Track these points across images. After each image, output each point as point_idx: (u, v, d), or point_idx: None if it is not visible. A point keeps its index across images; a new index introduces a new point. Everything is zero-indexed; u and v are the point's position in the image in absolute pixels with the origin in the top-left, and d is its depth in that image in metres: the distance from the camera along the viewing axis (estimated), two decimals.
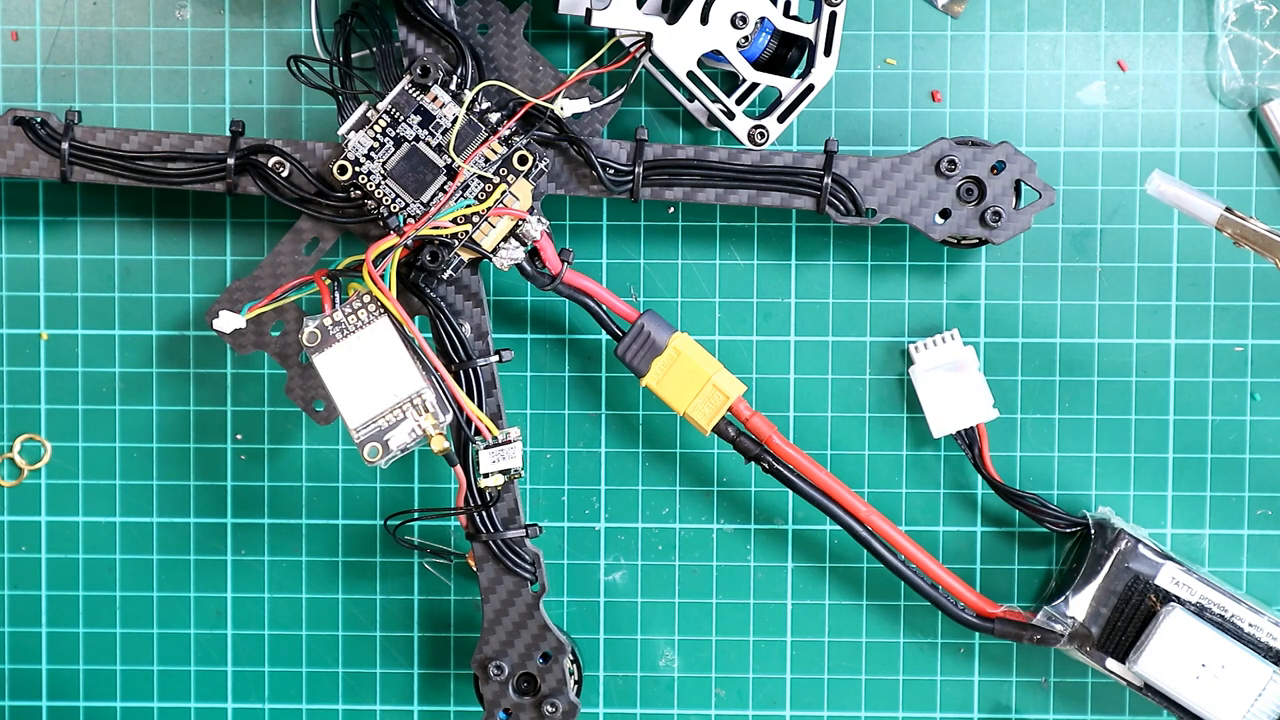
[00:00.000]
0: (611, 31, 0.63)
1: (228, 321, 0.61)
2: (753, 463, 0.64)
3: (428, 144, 0.61)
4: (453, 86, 0.61)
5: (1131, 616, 0.64)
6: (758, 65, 0.64)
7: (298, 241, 0.64)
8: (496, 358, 0.63)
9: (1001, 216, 0.63)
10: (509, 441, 0.61)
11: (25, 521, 0.69)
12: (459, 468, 0.61)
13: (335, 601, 0.69)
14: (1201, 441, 0.68)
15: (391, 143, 0.61)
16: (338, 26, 0.63)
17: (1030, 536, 0.69)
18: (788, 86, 0.64)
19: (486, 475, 0.61)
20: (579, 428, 0.69)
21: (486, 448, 0.61)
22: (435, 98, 0.61)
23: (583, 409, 0.69)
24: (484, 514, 0.63)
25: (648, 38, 0.62)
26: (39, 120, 0.64)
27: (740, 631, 0.69)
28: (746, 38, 0.63)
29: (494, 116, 0.62)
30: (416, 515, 0.68)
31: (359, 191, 0.62)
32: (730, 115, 0.63)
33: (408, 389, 0.60)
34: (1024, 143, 0.68)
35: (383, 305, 0.60)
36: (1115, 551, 0.64)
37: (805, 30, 0.63)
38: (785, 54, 0.64)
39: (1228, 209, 0.62)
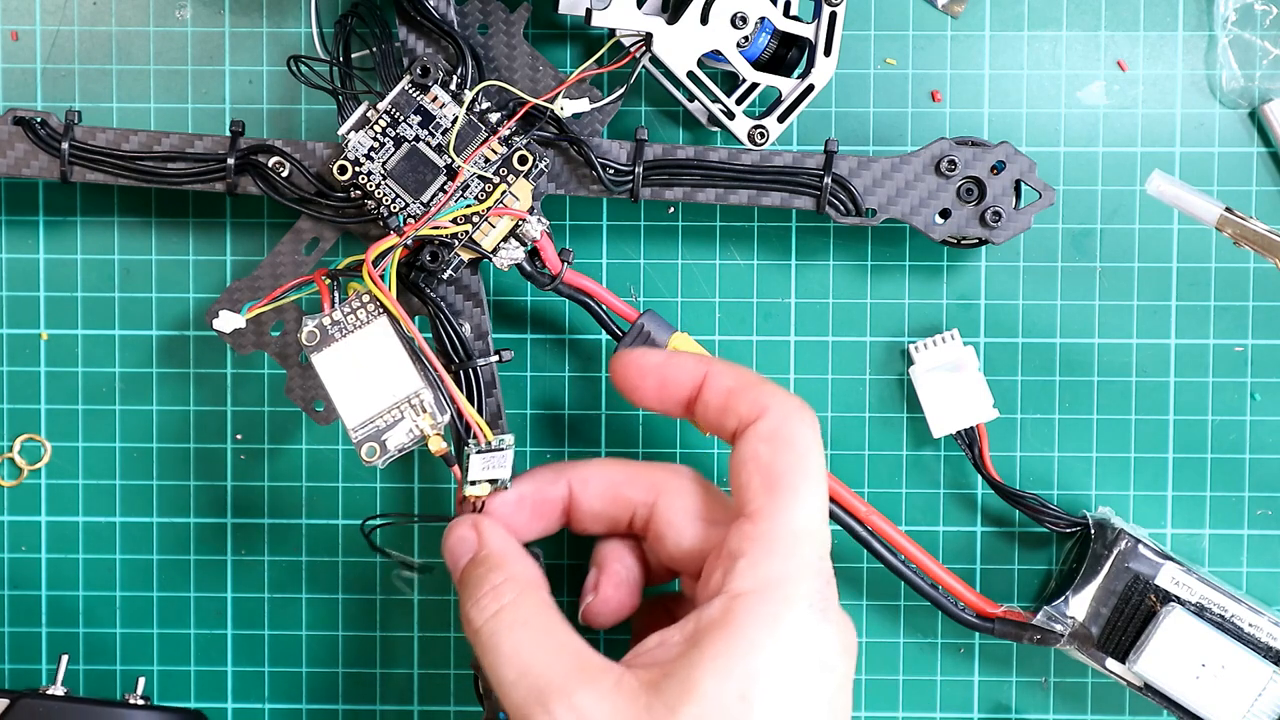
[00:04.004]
0: (611, 31, 0.63)
1: (228, 321, 0.61)
2: None
3: (428, 144, 0.61)
4: (453, 86, 0.61)
5: (1131, 616, 0.64)
6: (758, 65, 0.64)
7: (298, 241, 0.64)
8: (496, 358, 0.63)
9: (1001, 216, 0.63)
10: (502, 449, 0.59)
11: (25, 521, 0.69)
12: (457, 468, 0.61)
13: (335, 601, 0.69)
14: (1201, 441, 0.68)
15: (391, 143, 0.61)
16: (338, 26, 0.63)
17: (1030, 536, 0.69)
18: (788, 86, 0.64)
19: (474, 483, 0.59)
20: (579, 428, 0.69)
21: (479, 452, 0.59)
22: (435, 98, 0.61)
23: (583, 409, 0.69)
24: (482, 501, 0.62)
25: (648, 38, 0.62)
26: (39, 120, 0.64)
27: None
28: (746, 38, 0.63)
29: (494, 116, 0.62)
30: (407, 520, 0.68)
31: (359, 191, 0.62)
32: (730, 115, 0.64)
33: (406, 389, 0.60)
34: (1024, 143, 0.68)
35: (382, 305, 0.60)
36: (1115, 551, 0.64)
37: (805, 30, 0.63)
38: (785, 54, 0.64)
39: (1228, 209, 0.63)
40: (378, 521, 0.68)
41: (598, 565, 0.57)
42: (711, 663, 0.48)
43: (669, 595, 0.59)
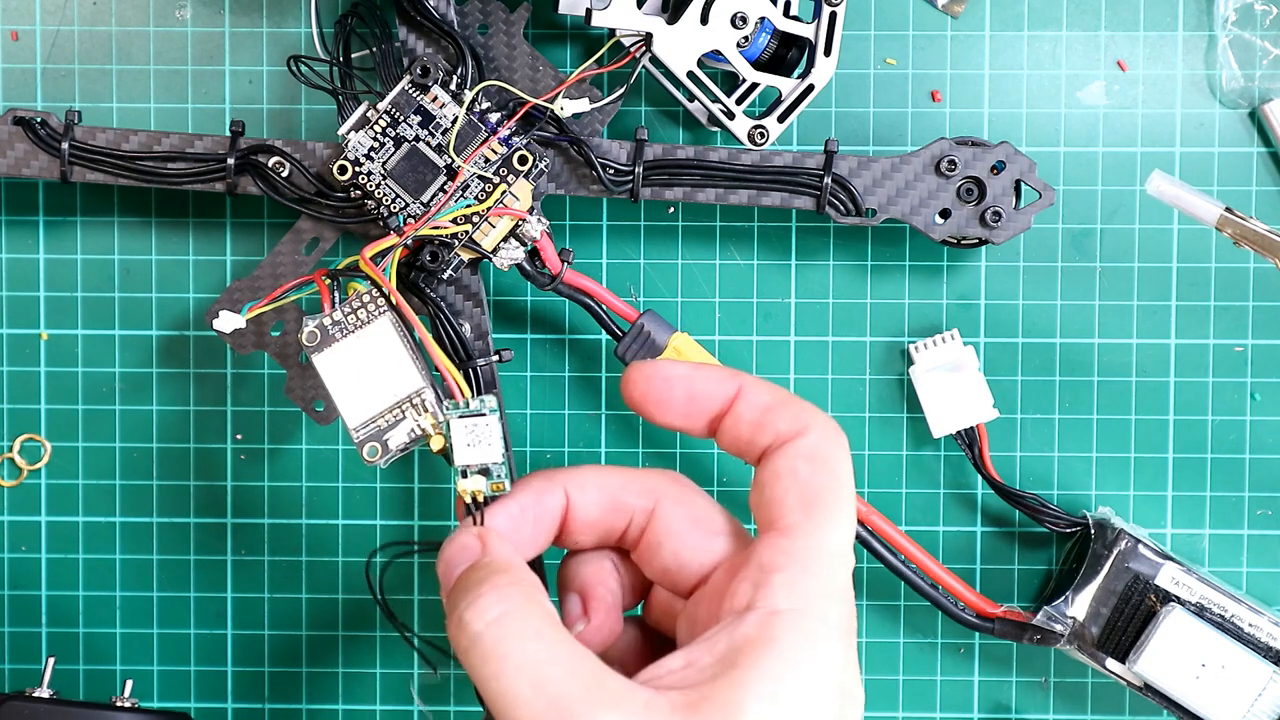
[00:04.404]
0: (611, 31, 0.63)
1: (228, 321, 0.61)
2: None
3: (428, 144, 0.61)
4: (453, 86, 0.61)
5: (1131, 616, 0.64)
6: (758, 65, 0.64)
7: (298, 241, 0.64)
8: (496, 358, 0.63)
9: (1001, 216, 0.63)
10: (483, 414, 0.55)
11: (25, 521, 0.69)
12: None
13: (335, 601, 0.69)
14: (1201, 441, 0.68)
15: (391, 143, 0.61)
16: (338, 26, 0.63)
17: (1030, 536, 0.69)
18: (788, 86, 0.64)
19: (465, 473, 0.55)
20: (579, 428, 0.69)
21: (461, 416, 0.55)
22: (435, 98, 0.61)
23: (583, 409, 0.69)
24: (482, 514, 0.62)
25: (648, 38, 0.62)
26: (39, 120, 0.64)
27: None
28: (746, 38, 0.63)
29: (494, 116, 0.62)
30: (415, 549, 0.67)
31: (359, 191, 0.62)
32: (730, 115, 0.63)
33: (407, 388, 0.60)
34: (1024, 143, 0.68)
35: (384, 297, 0.60)
36: (1115, 551, 0.64)
37: (805, 30, 0.63)
38: (785, 54, 0.64)
39: (1228, 209, 0.63)
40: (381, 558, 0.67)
41: (580, 590, 0.53)
42: (754, 684, 0.44)
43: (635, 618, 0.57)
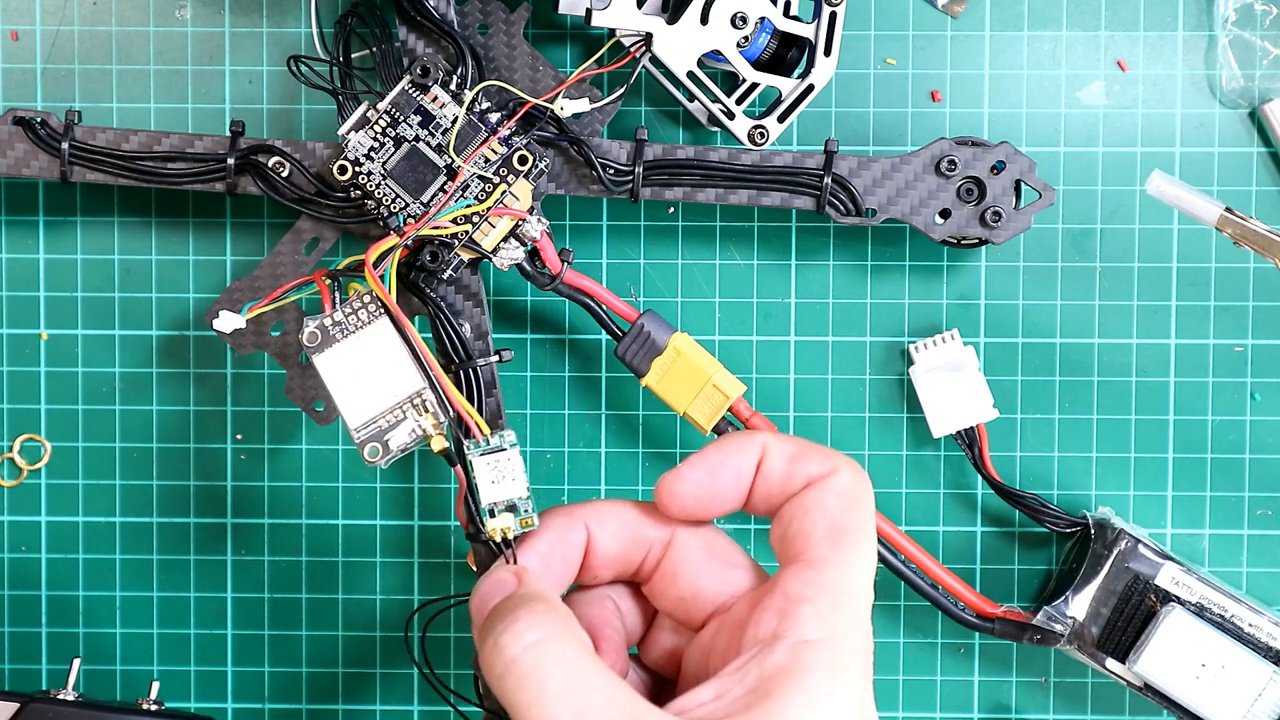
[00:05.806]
0: (611, 31, 0.63)
1: (228, 321, 0.61)
2: None
3: (428, 144, 0.61)
4: (453, 86, 0.61)
5: (1131, 616, 0.64)
6: (758, 65, 0.64)
7: (298, 241, 0.64)
8: (496, 358, 0.63)
9: (1001, 216, 0.63)
10: (504, 449, 0.56)
11: (25, 521, 0.69)
12: (459, 468, 0.61)
13: (335, 601, 0.69)
14: (1201, 441, 0.68)
15: (391, 143, 0.61)
16: (338, 26, 0.63)
17: (1030, 536, 0.69)
18: (788, 86, 0.64)
19: (493, 512, 0.56)
20: (579, 428, 0.69)
21: (482, 453, 0.57)
22: (435, 98, 0.61)
23: (583, 409, 0.69)
24: (514, 552, 0.61)
25: (648, 38, 0.62)
26: (39, 120, 0.64)
27: None
28: (746, 38, 0.63)
29: (494, 116, 0.62)
30: (454, 601, 0.67)
31: (359, 191, 0.62)
32: (730, 115, 0.64)
33: (408, 389, 0.60)
34: (1024, 143, 0.68)
35: (383, 304, 0.60)
36: (1115, 551, 0.64)
37: (805, 30, 0.63)
38: (785, 54, 0.64)
39: (1228, 209, 0.63)
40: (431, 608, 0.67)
41: (587, 631, 0.51)
42: (789, 713, 0.44)
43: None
